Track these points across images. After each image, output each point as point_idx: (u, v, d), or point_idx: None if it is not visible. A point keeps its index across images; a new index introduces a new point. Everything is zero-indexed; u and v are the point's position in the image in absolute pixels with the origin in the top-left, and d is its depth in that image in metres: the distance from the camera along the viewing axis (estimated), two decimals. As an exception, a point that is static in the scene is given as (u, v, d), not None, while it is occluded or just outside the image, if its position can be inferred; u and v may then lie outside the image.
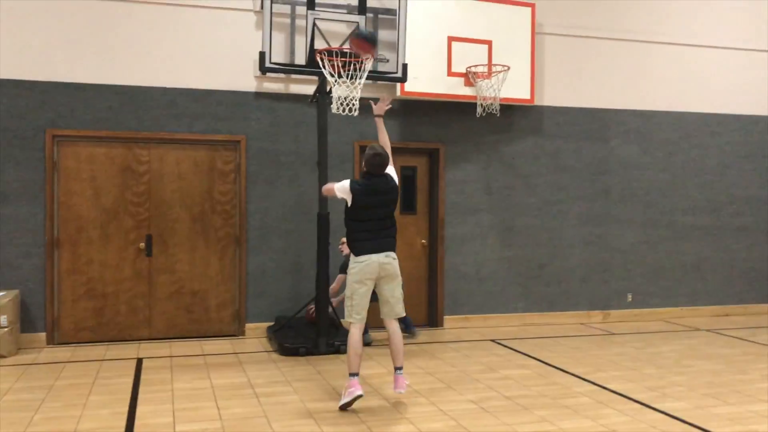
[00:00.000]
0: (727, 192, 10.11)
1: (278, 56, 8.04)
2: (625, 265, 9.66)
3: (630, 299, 9.68)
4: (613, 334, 8.71)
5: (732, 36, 10.06)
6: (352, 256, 5.65)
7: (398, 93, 8.41)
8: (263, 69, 7.65)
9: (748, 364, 7.11)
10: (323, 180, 7.44)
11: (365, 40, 6.43)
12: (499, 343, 8.01)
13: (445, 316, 8.94)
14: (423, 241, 9.06)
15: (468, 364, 6.99)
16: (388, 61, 8.36)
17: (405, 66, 8.02)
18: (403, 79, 8.06)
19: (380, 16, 8.44)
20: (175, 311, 8.09)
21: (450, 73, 8.53)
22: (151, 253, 7.99)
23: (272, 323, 8.18)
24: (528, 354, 7.47)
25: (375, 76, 8.01)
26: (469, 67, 8.51)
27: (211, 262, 8.19)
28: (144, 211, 7.98)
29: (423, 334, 8.51)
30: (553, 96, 9.34)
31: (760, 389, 6.13)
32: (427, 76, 8.43)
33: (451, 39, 8.52)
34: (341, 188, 5.62)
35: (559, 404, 5.61)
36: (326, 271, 7.48)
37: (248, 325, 8.23)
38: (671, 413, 5.39)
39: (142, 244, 7.95)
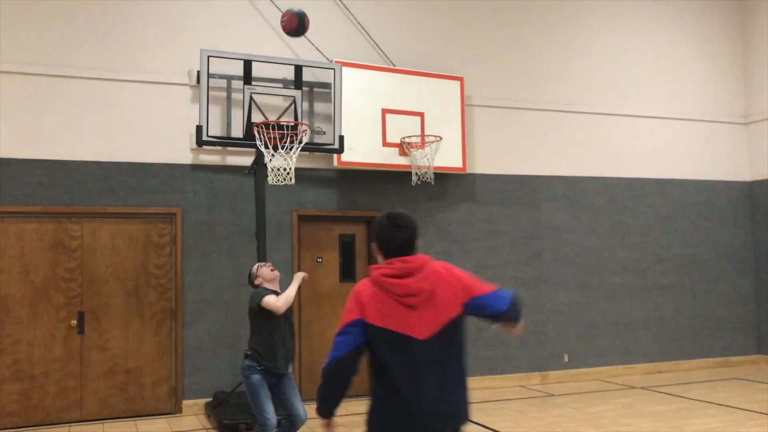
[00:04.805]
0: (652, 252, 10.55)
1: (215, 129, 8.10)
2: (560, 327, 9.88)
3: (567, 360, 9.87)
4: (553, 395, 8.83)
5: (648, 105, 10.71)
6: None
7: (335, 163, 8.56)
8: (200, 142, 7.69)
9: (683, 419, 7.32)
10: (262, 251, 7.42)
11: (294, 15, 7.44)
12: (441, 410, 7.99)
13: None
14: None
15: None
16: (324, 133, 8.52)
17: (342, 138, 8.20)
18: (340, 150, 8.23)
19: (316, 89, 8.65)
20: (109, 390, 7.79)
21: (385, 144, 8.75)
22: (84, 330, 7.73)
23: (210, 399, 7.96)
24: (471, 420, 7.47)
25: (312, 147, 8.15)
26: (403, 137, 8.76)
27: (146, 338, 7.98)
28: (76, 287, 7.75)
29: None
30: (484, 164, 9.67)
31: (695, 444, 6.31)
32: (363, 147, 8.61)
33: (385, 111, 8.77)
34: None
35: (504, 469, 5.63)
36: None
37: (185, 402, 7.99)
38: (613, 473, 5.48)
39: (74, 322, 7.69)
